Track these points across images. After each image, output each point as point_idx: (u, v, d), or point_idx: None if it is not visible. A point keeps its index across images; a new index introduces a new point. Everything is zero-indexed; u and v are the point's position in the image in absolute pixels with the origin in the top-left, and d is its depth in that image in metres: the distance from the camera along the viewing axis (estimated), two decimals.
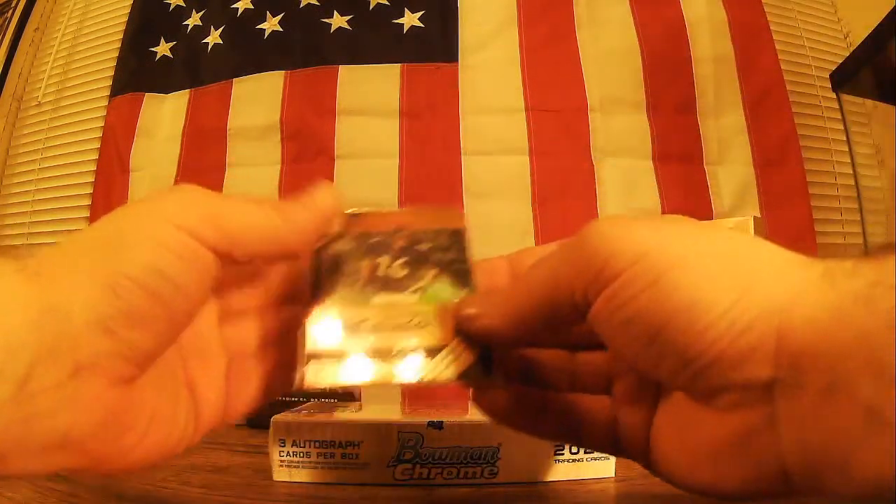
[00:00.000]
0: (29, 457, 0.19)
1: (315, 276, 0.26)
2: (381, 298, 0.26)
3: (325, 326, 0.25)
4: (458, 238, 0.28)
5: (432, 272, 0.27)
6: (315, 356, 0.24)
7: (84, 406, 0.19)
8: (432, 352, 0.24)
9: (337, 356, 0.24)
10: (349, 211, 0.28)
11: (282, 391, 0.27)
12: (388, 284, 0.26)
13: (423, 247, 0.27)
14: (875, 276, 0.17)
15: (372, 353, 0.24)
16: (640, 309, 0.19)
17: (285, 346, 0.25)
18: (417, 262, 0.27)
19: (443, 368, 0.24)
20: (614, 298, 0.19)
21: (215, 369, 0.25)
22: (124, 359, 0.20)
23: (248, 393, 0.26)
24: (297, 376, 0.24)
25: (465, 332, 0.24)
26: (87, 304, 0.19)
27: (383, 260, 0.27)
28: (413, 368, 0.24)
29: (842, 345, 0.16)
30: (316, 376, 0.24)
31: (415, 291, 0.26)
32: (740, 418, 0.19)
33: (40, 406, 0.18)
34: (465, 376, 0.24)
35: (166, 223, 0.21)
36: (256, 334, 0.27)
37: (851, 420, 0.16)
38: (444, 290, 0.26)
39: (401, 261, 0.27)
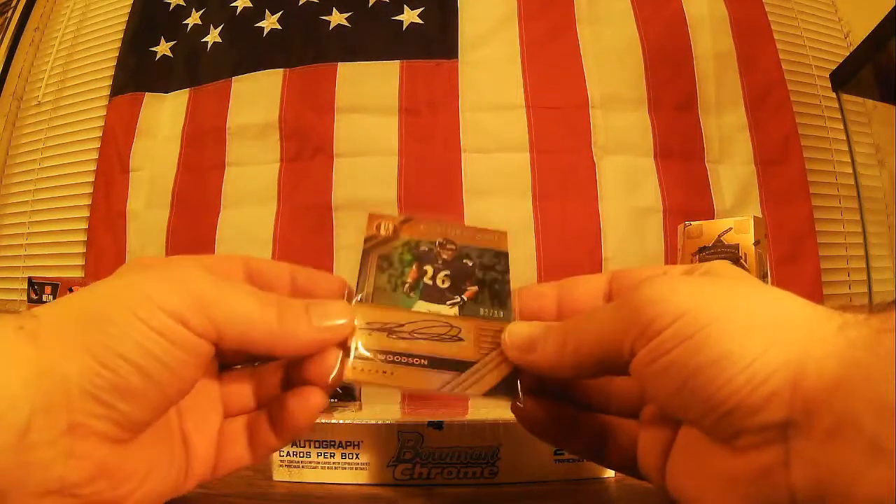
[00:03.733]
0: (28, 498, 0.19)
1: (363, 275, 0.28)
2: (422, 306, 0.27)
3: (366, 326, 0.26)
4: (500, 259, 0.29)
5: (473, 288, 0.28)
6: (356, 353, 0.25)
7: (77, 461, 0.20)
8: (463, 365, 0.26)
9: (375, 356, 0.25)
10: (402, 217, 0.29)
11: (267, 454, 0.27)
12: (431, 294, 0.28)
13: (468, 262, 0.29)
14: (881, 325, 0.18)
15: (407, 359, 0.26)
16: (672, 361, 0.21)
17: (278, 408, 0.25)
18: (460, 276, 0.29)
19: (472, 384, 0.25)
20: (653, 352, 0.21)
21: (209, 425, 0.26)
22: (117, 425, 0.20)
23: (236, 452, 0.26)
24: (338, 370, 0.25)
25: (517, 362, 0.25)
26: (81, 372, 0.20)
27: (429, 269, 0.28)
28: (443, 379, 0.25)
29: (849, 385, 0.18)
30: (355, 372, 0.25)
31: (454, 304, 0.28)
32: (756, 457, 0.20)
33: (38, 456, 0.19)
34: (491, 394, 0.25)
35: (151, 305, 0.21)
36: (253, 393, 0.27)
37: (856, 452, 0.17)
38: (482, 308, 0.28)
39: (445, 272, 0.28)
